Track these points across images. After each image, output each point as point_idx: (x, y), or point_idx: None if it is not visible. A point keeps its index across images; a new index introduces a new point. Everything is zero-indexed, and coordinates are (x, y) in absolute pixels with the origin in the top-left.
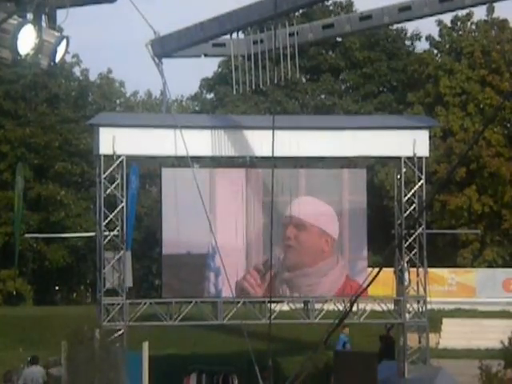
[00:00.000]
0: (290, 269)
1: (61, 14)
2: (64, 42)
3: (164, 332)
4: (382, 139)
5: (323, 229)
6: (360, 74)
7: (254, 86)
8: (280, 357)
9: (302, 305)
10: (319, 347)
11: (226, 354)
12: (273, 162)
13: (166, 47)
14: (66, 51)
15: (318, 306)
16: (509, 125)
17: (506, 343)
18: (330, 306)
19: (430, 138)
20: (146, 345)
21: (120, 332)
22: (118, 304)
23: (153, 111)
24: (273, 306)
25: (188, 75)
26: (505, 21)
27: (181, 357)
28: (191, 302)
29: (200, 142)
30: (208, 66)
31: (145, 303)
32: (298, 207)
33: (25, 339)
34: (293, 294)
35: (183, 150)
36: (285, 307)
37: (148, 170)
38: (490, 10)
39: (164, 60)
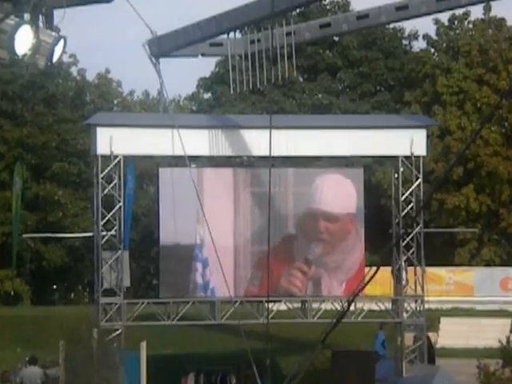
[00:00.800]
0: (325, 260)
1: (58, 14)
2: (61, 42)
3: (162, 332)
4: (379, 138)
5: (349, 212)
6: (357, 73)
7: (251, 86)
8: (278, 356)
9: (300, 304)
10: (317, 347)
11: (224, 354)
12: (270, 161)
13: (163, 47)
14: (63, 51)
15: (315, 305)
16: (506, 124)
17: (504, 342)
18: (327, 306)
19: (427, 137)
20: (143, 345)
21: (118, 332)
22: (116, 304)
23: (150, 111)
24: (270, 305)
25: (185, 75)
26: (502, 20)
27: (179, 356)
28: (189, 302)
29: (197, 141)
30: (205, 66)
31: (142, 303)
32: (325, 195)
33: (22, 339)
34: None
35: (180, 150)
36: (282, 307)
37: (145, 170)
38: (487, 9)
39: (161, 60)
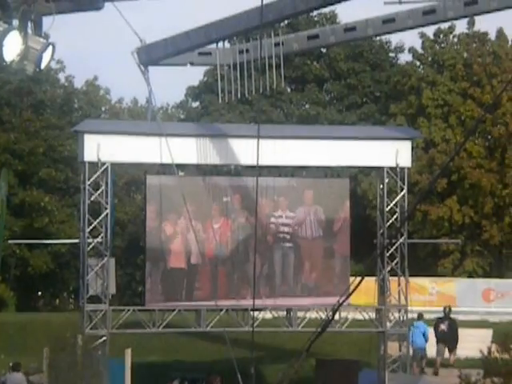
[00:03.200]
0: None
1: (47, 20)
2: (50, 49)
3: (147, 339)
4: (365, 149)
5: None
6: (344, 84)
7: (239, 95)
8: (262, 364)
9: (285, 313)
10: (301, 355)
11: (209, 362)
12: (257, 170)
13: (152, 55)
14: (52, 58)
15: (300, 314)
16: (489, 137)
17: (486, 352)
18: (312, 315)
19: (412, 148)
20: (128, 352)
21: (103, 339)
22: (101, 311)
23: (138, 119)
24: (256, 313)
25: (174, 83)
26: (485, 34)
27: (163, 364)
28: (174, 310)
29: (185, 149)
30: (194, 75)
31: (128, 310)
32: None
33: (7, 345)
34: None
35: (168, 158)
36: (268, 315)
37: (132, 178)
38: (471, 24)
39: (150, 68)
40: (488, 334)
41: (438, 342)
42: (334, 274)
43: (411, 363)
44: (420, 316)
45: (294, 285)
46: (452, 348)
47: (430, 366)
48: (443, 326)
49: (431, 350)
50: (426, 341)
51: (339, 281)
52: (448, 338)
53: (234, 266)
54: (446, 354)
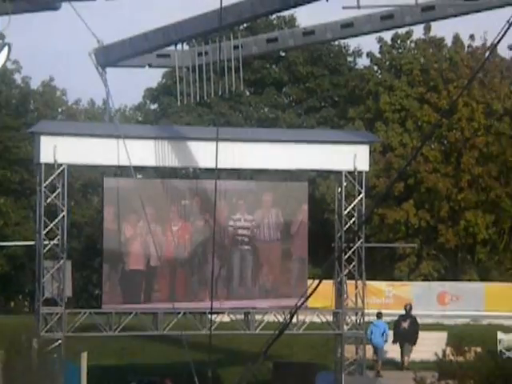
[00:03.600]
0: None
1: (2, 20)
2: (5, 49)
3: (103, 342)
4: (323, 153)
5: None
6: (303, 88)
7: (198, 98)
8: (220, 367)
9: (243, 316)
10: (259, 358)
11: (166, 365)
12: (216, 173)
13: (109, 57)
14: (8, 58)
15: (258, 317)
16: (445, 142)
17: (440, 355)
18: (270, 318)
19: (370, 152)
20: (84, 355)
21: (58, 342)
22: (57, 314)
23: (95, 120)
24: (213, 316)
25: (132, 85)
26: (442, 39)
27: (120, 367)
28: (131, 313)
29: (143, 152)
30: (152, 77)
31: (84, 313)
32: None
33: None
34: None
35: (126, 160)
36: (225, 318)
37: (89, 180)
38: (427, 29)
39: (108, 69)
40: (443, 336)
41: (399, 340)
42: (292, 276)
43: (372, 361)
44: (379, 315)
45: (252, 287)
46: (412, 345)
47: (392, 365)
48: (404, 324)
49: (394, 348)
50: (386, 340)
51: (297, 283)
52: (409, 336)
53: (192, 268)
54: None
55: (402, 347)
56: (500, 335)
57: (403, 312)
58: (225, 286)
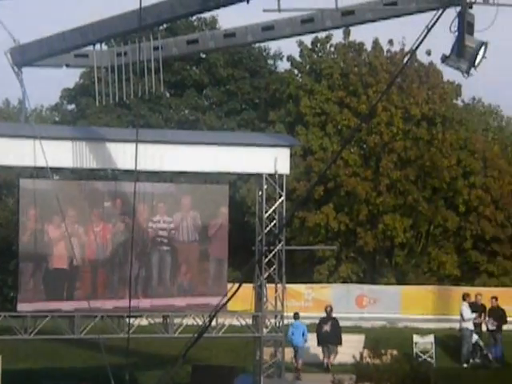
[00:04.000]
0: None
1: None
2: None
3: (19, 346)
4: (244, 156)
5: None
6: (224, 90)
7: (117, 99)
8: (138, 371)
9: (161, 319)
10: (177, 361)
11: (83, 368)
12: (136, 175)
13: (26, 56)
14: None
15: (177, 320)
16: (365, 146)
17: (358, 358)
18: (189, 321)
19: (290, 156)
20: None
21: None
22: None
23: (11, 120)
24: (132, 320)
25: (49, 85)
26: (361, 44)
27: (35, 371)
28: (47, 316)
29: (60, 153)
30: (69, 77)
31: None
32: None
33: None
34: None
35: (42, 161)
36: (144, 321)
37: (4, 181)
38: (347, 34)
39: (24, 69)
40: (360, 339)
41: (321, 344)
42: (209, 276)
43: (291, 363)
44: (296, 315)
45: (170, 286)
46: (335, 348)
47: (314, 368)
48: (326, 327)
49: (317, 350)
50: (306, 340)
51: (214, 282)
52: (332, 337)
53: (113, 268)
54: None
55: (325, 349)
56: (416, 338)
57: (324, 314)
58: (144, 285)
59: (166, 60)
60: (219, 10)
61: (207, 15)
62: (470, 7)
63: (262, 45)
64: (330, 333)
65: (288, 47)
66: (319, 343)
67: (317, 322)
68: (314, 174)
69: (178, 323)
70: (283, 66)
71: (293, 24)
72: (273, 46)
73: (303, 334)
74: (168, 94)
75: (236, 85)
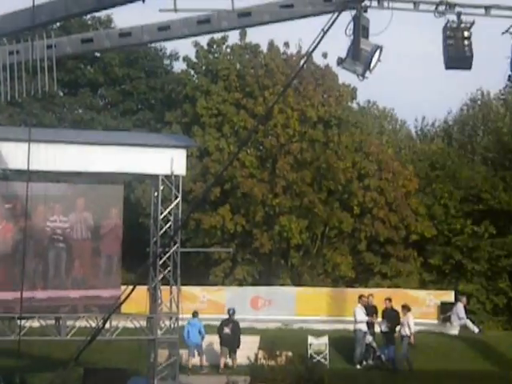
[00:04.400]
0: None
1: None
2: None
3: None
4: (140, 156)
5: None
6: (119, 90)
7: (9, 98)
8: (29, 373)
9: (54, 321)
10: (69, 364)
11: None
12: (28, 175)
13: None
14: None
15: (69, 322)
16: (261, 147)
17: (253, 359)
18: (82, 323)
19: (187, 157)
20: None
21: None
22: None
23: None
24: (23, 322)
25: None
26: (257, 46)
27: None
28: None
29: None
30: None
31: None
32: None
33: None
34: None
35: None
36: (35, 323)
37: None
38: (243, 35)
39: None
40: (255, 340)
41: (222, 345)
42: (101, 271)
43: (188, 359)
44: (195, 314)
45: (65, 279)
46: (234, 351)
47: (210, 369)
48: (227, 329)
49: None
50: (202, 338)
51: (105, 276)
52: (231, 341)
53: (14, 264)
54: (229, 358)
55: (225, 351)
56: (310, 339)
57: (223, 316)
58: (41, 278)
59: (59, 59)
60: (114, 9)
61: (102, 14)
62: (365, 11)
63: (158, 45)
64: (230, 335)
65: (184, 48)
66: (221, 345)
67: (211, 323)
68: (211, 176)
69: (70, 325)
70: (179, 66)
71: (189, 24)
72: (169, 46)
73: (200, 332)
74: (61, 93)
75: (132, 84)
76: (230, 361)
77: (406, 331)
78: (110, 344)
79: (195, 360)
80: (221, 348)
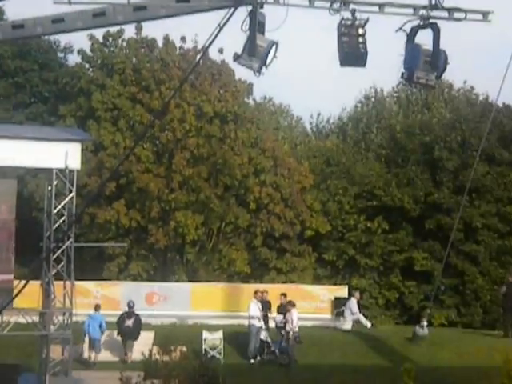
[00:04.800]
0: None
1: None
2: None
3: None
4: (33, 150)
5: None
6: (11, 82)
7: None
8: None
9: None
10: None
11: None
12: None
13: None
14: None
15: None
16: (158, 142)
17: (147, 355)
18: None
19: (81, 151)
20: None
21: None
22: None
23: None
24: None
25: None
26: (153, 40)
27: None
28: None
29: None
30: None
31: None
32: None
33: None
34: None
35: None
36: None
37: None
38: (139, 29)
39: None
40: (150, 336)
41: (122, 337)
42: None
43: (88, 354)
44: (97, 307)
45: None
46: (133, 340)
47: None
48: (129, 322)
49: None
50: (103, 332)
51: None
52: (132, 332)
53: None
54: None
55: (125, 344)
56: (205, 334)
57: (120, 312)
58: None
59: None
60: (5, 1)
61: None
62: (261, 7)
63: (52, 37)
64: (131, 328)
65: (79, 41)
66: (120, 336)
67: (107, 320)
68: (106, 170)
69: None
70: (74, 59)
71: (84, 17)
72: (63, 39)
73: (100, 326)
74: None
75: (24, 77)
76: (126, 356)
77: (289, 326)
78: (1, 339)
79: (93, 354)
80: (122, 341)
